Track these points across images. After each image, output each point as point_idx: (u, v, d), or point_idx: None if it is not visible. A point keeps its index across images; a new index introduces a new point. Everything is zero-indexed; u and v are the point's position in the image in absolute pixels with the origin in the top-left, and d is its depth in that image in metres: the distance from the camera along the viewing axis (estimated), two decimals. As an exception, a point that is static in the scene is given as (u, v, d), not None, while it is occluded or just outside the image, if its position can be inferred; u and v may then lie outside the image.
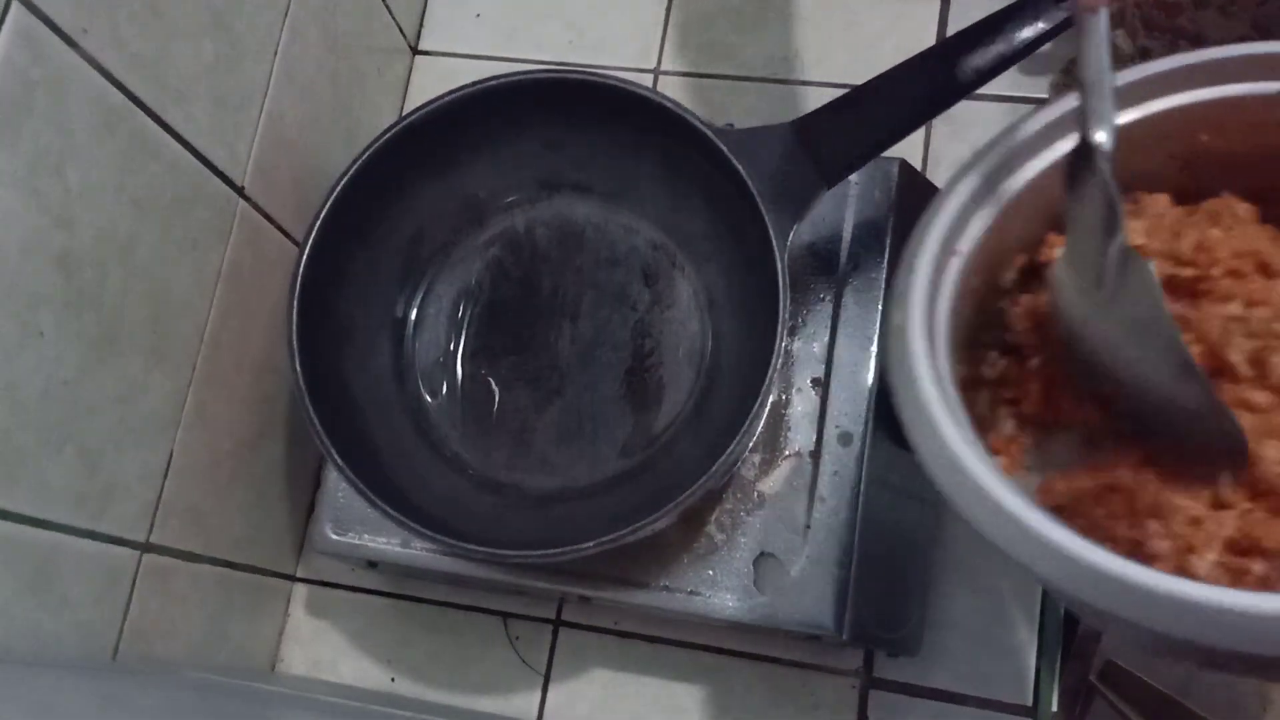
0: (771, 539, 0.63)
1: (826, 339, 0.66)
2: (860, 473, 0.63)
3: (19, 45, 0.48)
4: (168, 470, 0.62)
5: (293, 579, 0.79)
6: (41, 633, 0.54)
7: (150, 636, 0.62)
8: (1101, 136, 0.41)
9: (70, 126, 0.52)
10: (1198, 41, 0.67)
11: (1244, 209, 0.47)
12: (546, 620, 0.76)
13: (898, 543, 0.68)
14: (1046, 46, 0.62)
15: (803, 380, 0.66)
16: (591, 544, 0.58)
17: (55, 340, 0.52)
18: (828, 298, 0.66)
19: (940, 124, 0.78)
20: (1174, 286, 0.45)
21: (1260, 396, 0.41)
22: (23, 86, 0.48)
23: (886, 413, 0.65)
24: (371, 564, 0.71)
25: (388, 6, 0.84)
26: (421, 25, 0.90)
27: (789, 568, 0.62)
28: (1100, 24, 0.42)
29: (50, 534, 0.53)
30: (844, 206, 0.67)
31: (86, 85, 0.52)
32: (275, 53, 0.68)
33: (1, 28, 0.47)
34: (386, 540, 0.67)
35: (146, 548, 0.61)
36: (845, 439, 0.64)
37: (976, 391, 0.49)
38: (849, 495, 0.63)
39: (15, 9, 0.47)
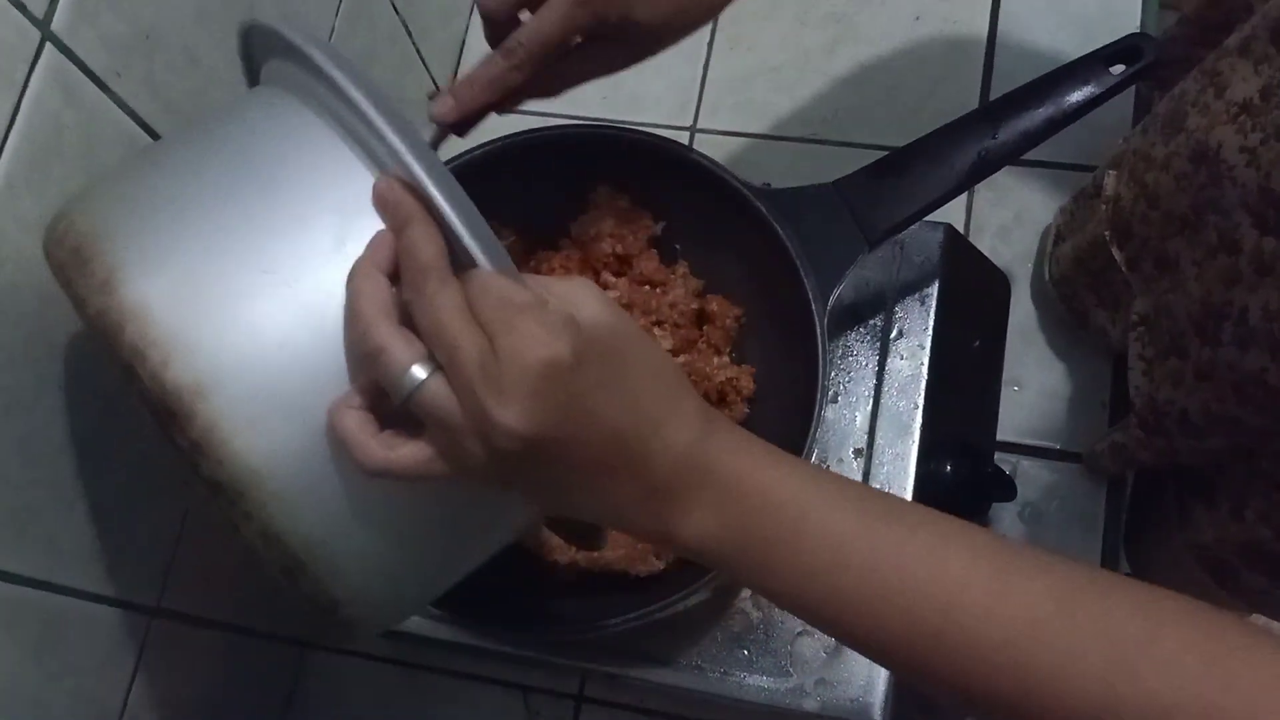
0: (811, 617, 0.60)
1: (869, 408, 0.63)
2: (907, 550, 0.60)
3: (50, 87, 0.46)
4: (181, 531, 0.60)
5: (304, 645, 0.76)
6: (42, 701, 0.51)
7: (155, 705, 0.59)
8: None
9: (100, 170, 0.50)
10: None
11: None
12: (569, 695, 0.73)
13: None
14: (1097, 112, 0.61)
15: (844, 451, 0.63)
16: (618, 620, 0.56)
17: (73, 393, 0.50)
18: (870, 364, 0.64)
19: (983, 189, 0.76)
20: None
21: None
22: (53, 128, 0.47)
23: (931, 486, 0.62)
24: (386, 631, 0.67)
25: (423, 59, 0.83)
26: (456, 77, 0.89)
27: (829, 648, 0.59)
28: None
29: (57, 597, 0.51)
30: (889, 271, 0.65)
31: (118, 129, 0.51)
32: (309, 103, 0.67)
33: (33, 69, 0.45)
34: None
35: (156, 612, 0.58)
36: (891, 513, 0.61)
37: None
38: (892, 572, 0.60)
39: (48, 50, 0.46)
